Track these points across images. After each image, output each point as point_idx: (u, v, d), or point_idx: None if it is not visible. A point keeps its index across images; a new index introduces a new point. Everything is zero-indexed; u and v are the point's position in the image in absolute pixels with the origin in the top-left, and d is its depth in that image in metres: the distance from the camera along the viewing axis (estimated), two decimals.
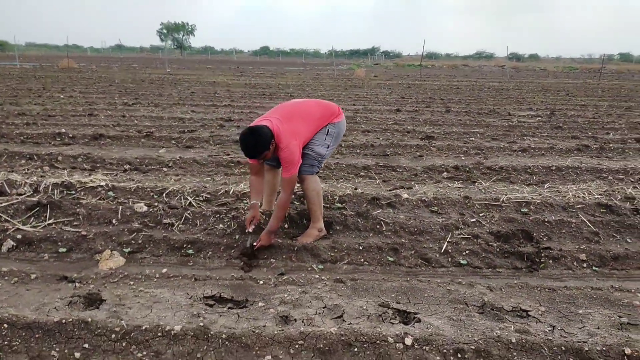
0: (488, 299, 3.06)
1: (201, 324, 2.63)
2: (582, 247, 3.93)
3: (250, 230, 3.83)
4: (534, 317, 2.90)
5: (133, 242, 3.89)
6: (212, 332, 2.55)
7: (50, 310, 2.81)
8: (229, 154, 6.68)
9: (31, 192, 4.68)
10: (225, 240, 3.91)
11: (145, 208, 4.26)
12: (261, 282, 3.25)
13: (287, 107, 3.96)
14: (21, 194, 4.65)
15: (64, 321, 2.59)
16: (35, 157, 6.15)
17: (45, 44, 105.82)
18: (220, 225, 4.09)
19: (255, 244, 3.72)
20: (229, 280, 3.29)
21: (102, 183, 4.84)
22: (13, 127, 8.20)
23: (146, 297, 3.01)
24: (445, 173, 5.88)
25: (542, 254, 3.82)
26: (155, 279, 3.27)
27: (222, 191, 4.77)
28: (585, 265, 3.75)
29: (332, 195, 4.68)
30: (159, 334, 2.54)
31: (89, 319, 2.62)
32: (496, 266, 3.71)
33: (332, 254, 3.78)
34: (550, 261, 3.76)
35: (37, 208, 4.21)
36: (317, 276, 3.39)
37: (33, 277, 3.29)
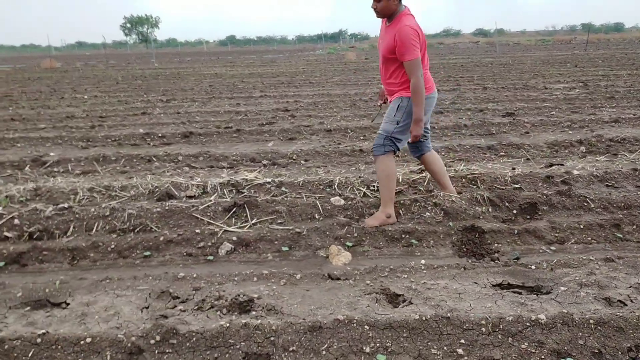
0: None
1: (529, 313, 2.58)
2: None
3: (379, 104, 4.12)
4: None
5: (349, 235, 3.81)
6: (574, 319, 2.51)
7: (363, 308, 2.73)
8: (339, 144, 6.58)
9: (200, 193, 4.53)
10: (440, 228, 3.86)
11: (342, 201, 4.17)
12: (533, 267, 3.22)
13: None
14: (191, 196, 4.49)
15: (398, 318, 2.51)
16: (155, 159, 5.94)
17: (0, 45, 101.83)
18: (427, 213, 4.03)
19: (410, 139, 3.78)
20: (498, 268, 3.26)
21: (268, 179, 4.71)
22: (86, 131, 7.89)
23: (439, 288, 2.94)
24: (582, 147, 5.93)
25: None
26: (428, 271, 3.21)
27: None
28: None
29: (503, 177, 4.66)
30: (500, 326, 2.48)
31: (422, 316, 2.54)
32: None
33: (555, 235, 3.77)
34: None
35: (235, 208, 4.07)
36: (568, 257, 3.39)
37: (298, 277, 3.19)
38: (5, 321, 2.72)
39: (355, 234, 3.81)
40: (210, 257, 3.62)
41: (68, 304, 2.90)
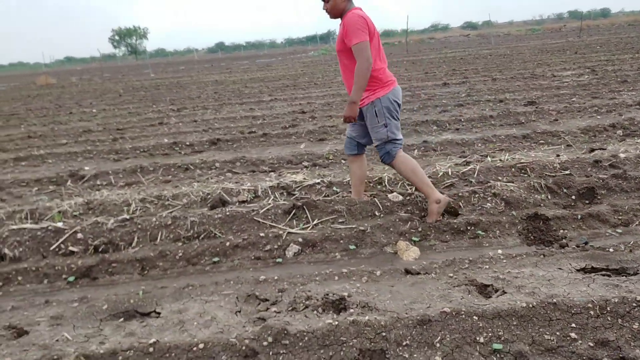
0: None
1: (630, 294, 2.59)
2: None
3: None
4: None
5: (413, 230, 3.82)
6: None
7: (459, 300, 2.73)
8: None
9: (252, 197, 4.53)
10: (504, 218, 3.88)
11: (400, 197, 4.18)
12: (611, 249, 3.24)
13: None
14: (244, 201, 4.49)
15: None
16: (192, 167, 5.93)
17: None
18: (488, 204, 4.05)
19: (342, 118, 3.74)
20: (577, 253, 3.27)
21: (317, 180, 4.72)
22: (110, 144, 7.87)
23: (526, 276, 2.95)
24: (619, 131, 5.97)
25: None
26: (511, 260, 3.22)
27: (441, 173, 4.72)
28: None
29: (551, 164, 4.69)
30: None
31: (529, 304, 2.54)
32: None
33: (619, 218, 3.80)
34: None
35: (294, 210, 4.07)
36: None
37: (378, 274, 3.20)
38: (102, 333, 2.71)
39: (420, 229, 3.82)
40: (279, 260, 3.63)
41: (159, 313, 2.90)
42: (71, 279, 3.58)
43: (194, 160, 6.19)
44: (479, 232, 3.77)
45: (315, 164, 5.68)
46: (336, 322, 2.49)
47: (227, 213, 4.04)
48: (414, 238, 3.75)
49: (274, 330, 2.44)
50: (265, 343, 2.41)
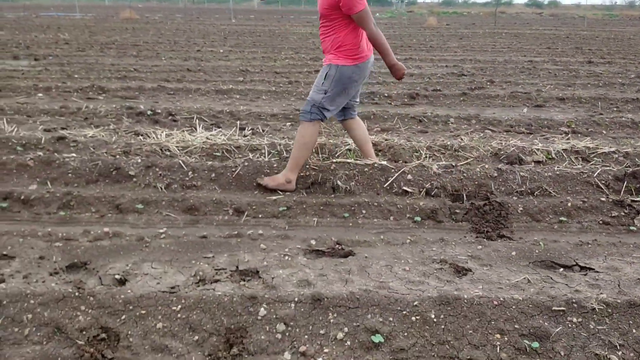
0: None
1: None
2: None
3: None
4: None
5: None
6: None
7: None
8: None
9: (546, 159, 4.42)
10: None
11: None
12: None
13: None
14: (539, 161, 4.40)
15: None
16: (425, 119, 5.85)
17: None
18: None
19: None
20: None
21: (612, 148, 4.59)
22: (285, 86, 7.82)
23: None
24: None
25: None
26: None
27: None
28: None
29: None
30: None
31: None
32: None
33: None
34: None
35: (626, 178, 3.95)
36: None
37: None
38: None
39: None
40: (633, 228, 3.53)
41: (590, 268, 2.85)
42: (417, 218, 3.56)
43: (426, 113, 6.09)
44: None
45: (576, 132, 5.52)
46: None
47: (557, 172, 3.94)
48: None
49: None
50: None
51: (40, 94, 6.86)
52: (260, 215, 3.57)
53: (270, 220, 3.50)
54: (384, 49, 3.52)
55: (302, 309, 2.34)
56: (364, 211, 3.61)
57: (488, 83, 8.38)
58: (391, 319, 2.30)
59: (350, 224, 3.51)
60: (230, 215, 3.58)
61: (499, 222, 3.53)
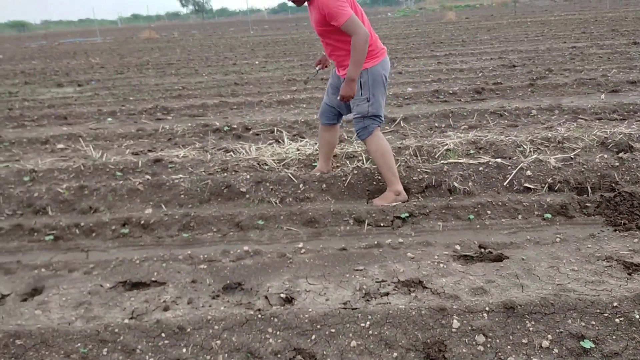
0: None
1: None
2: None
3: (316, 69, 3.93)
4: None
5: None
6: None
7: None
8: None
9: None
10: None
11: None
12: None
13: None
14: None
15: None
16: (506, 113, 5.73)
17: (59, 20, 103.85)
18: None
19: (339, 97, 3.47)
20: None
21: None
22: None
23: None
24: None
25: None
26: None
27: None
28: None
29: None
30: None
31: None
32: None
33: None
34: None
35: None
36: None
37: None
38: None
39: None
40: None
41: None
42: (547, 215, 3.43)
43: (495, 107, 5.97)
44: None
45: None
46: None
47: None
48: None
49: None
50: None
51: (109, 119, 6.88)
52: (382, 224, 3.48)
53: (394, 228, 3.41)
54: (358, 61, 3.32)
55: (497, 319, 2.24)
56: (488, 212, 3.50)
57: (547, 72, 8.21)
58: (593, 322, 2.19)
59: (478, 226, 3.40)
60: (351, 225, 3.50)
61: (633, 213, 3.39)
